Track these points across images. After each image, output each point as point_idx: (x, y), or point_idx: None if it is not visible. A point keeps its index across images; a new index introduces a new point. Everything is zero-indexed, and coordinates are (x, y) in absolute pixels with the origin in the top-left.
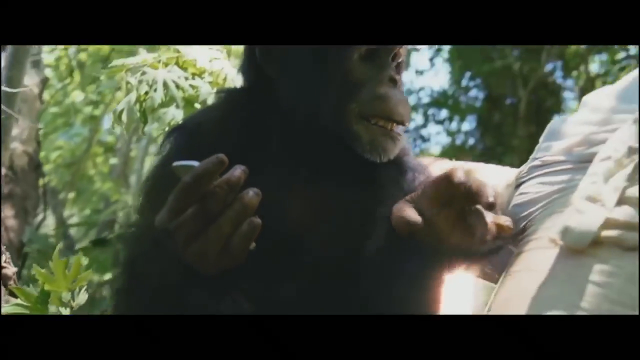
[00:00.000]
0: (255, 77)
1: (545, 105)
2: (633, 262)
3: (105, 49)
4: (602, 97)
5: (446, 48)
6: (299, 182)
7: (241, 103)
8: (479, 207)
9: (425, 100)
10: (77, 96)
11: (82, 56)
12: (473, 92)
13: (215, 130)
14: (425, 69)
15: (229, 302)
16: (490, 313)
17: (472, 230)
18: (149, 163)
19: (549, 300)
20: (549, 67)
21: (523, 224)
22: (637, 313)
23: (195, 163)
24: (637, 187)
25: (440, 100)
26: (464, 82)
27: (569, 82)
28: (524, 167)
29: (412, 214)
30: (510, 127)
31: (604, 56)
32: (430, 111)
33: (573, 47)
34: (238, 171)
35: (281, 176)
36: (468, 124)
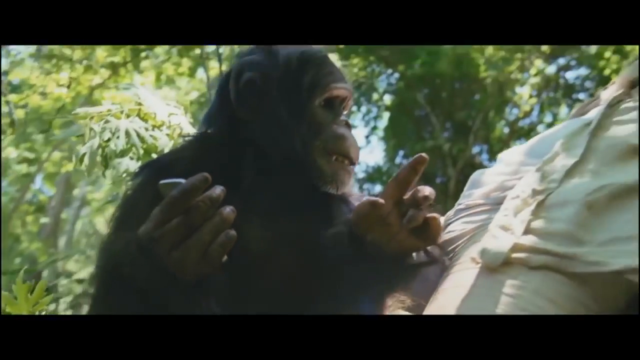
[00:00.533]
0: (227, 121)
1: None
2: (537, 278)
3: (46, 107)
4: (513, 153)
5: (381, 126)
6: (268, 211)
7: (213, 144)
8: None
9: (361, 175)
10: (10, 153)
11: (20, 113)
12: None
13: (188, 167)
14: (361, 146)
15: (204, 308)
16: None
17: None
18: (80, 225)
19: (472, 310)
20: (476, 149)
21: (451, 254)
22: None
23: (181, 180)
24: (540, 220)
25: (374, 175)
26: (397, 160)
27: (494, 164)
28: (451, 212)
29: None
30: (440, 204)
31: (523, 141)
32: (365, 186)
33: (497, 132)
34: (218, 190)
35: (252, 206)
36: None
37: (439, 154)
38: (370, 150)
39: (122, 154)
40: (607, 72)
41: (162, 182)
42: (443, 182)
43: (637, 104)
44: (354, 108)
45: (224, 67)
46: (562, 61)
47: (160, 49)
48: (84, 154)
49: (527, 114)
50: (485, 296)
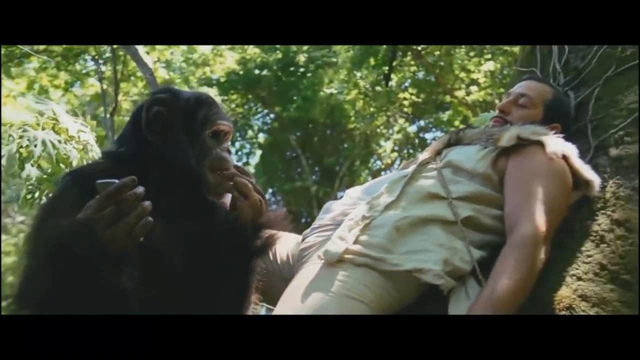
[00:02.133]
0: (138, 143)
1: None
2: (359, 271)
3: None
4: (354, 190)
5: (253, 162)
6: (167, 213)
7: (127, 159)
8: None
9: None
10: None
11: None
12: (274, 207)
13: (107, 176)
14: None
15: (126, 272)
16: (282, 301)
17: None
18: None
19: (316, 289)
20: (341, 193)
21: (304, 255)
22: (364, 302)
23: (114, 180)
24: (365, 235)
25: None
26: (266, 197)
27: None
28: (308, 230)
29: None
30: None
31: None
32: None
33: (361, 180)
34: (141, 188)
35: (157, 208)
36: None
37: (306, 195)
38: None
39: (38, 160)
40: None
41: (99, 181)
42: (307, 222)
43: (438, 165)
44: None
45: (104, 86)
46: (422, 123)
47: (36, 60)
48: (3, 156)
49: (389, 166)
50: (325, 281)
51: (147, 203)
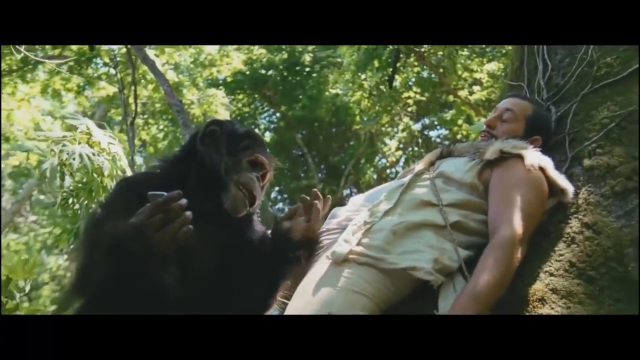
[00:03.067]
0: (188, 150)
1: None
2: (361, 269)
3: None
4: (358, 198)
5: None
6: (199, 216)
7: (175, 162)
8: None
9: None
10: None
11: None
12: (280, 204)
13: (159, 181)
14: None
15: (168, 269)
16: (295, 295)
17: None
18: None
19: (325, 285)
20: (346, 191)
21: (316, 254)
22: (366, 295)
23: (163, 193)
24: (367, 238)
25: None
26: (273, 195)
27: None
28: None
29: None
30: None
31: None
32: None
33: (366, 178)
34: (184, 201)
35: (191, 207)
36: None
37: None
38: None
39: (78, 171)
40: (459, 136)
41: (150, 192)
42: None
43: (431, 175)
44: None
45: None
46: (426, 121)
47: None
48: (47, 169)
49: (393, 164)
50: (332, 278)
51: (189, 213)
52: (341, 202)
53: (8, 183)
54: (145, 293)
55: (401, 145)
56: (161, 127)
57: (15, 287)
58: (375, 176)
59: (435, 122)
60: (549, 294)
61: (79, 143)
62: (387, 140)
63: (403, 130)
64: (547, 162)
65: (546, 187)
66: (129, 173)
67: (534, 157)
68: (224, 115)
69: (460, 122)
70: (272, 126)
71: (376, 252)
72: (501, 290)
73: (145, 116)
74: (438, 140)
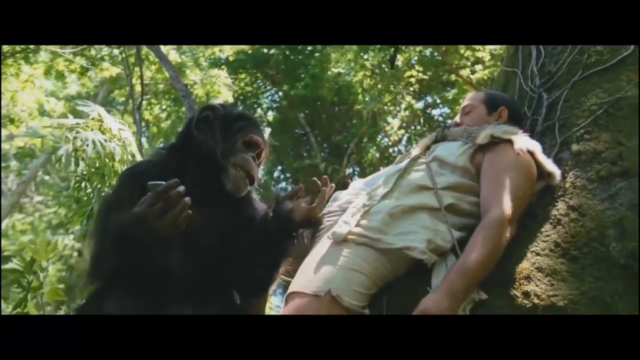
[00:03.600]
0: (185, 137)
1: None
2: (360, 249)
3: None
4: (357, 183)
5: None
6: (204, 202)
7: (173, 151)
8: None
9: None
10: None
11: None
12: (283, 184)
13: (158, 170)
14: None
15: (175, 249)
16: (299, 272)
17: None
18: None
19: (326, 263)
20: (349, 170)
21: (316, 236)
22: (364, 273)
23: (162, 182)
24: (365, 220)
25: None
26: (275, 174)
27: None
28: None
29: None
30: None
31: None
32: None
33: (369, 157)
34: (182, 187)
35: (191, 193)
36: None
37: (315, 172)
38: None
39: (91, 157)
40: None
41: (150, 182)
42: None
43: (427, 159)
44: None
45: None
46: (429, 99)
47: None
48: (62, 155)
49: (396, 143)
50: (333, 256)
51: (187, 199)
52: (344, 182)
53: (13, 164)
54: (152, 274)
55: (404, 124)
56: (164, 107)
57: (39, 267)
58: (377, 155)
59: (438, 101)
60: (535, 272)
61: (92, 130)
62: (389, 119)
63: (405, 109)
64: (536, 147)
65: (535, 171)
66: (138, 157)
67: (523, 141)
68: (227, 95)
69: (462, 101)
70: (274, 105)
71: (373, 232)
72: (489, 267)
73: (148, 96)
74: (440, 119)
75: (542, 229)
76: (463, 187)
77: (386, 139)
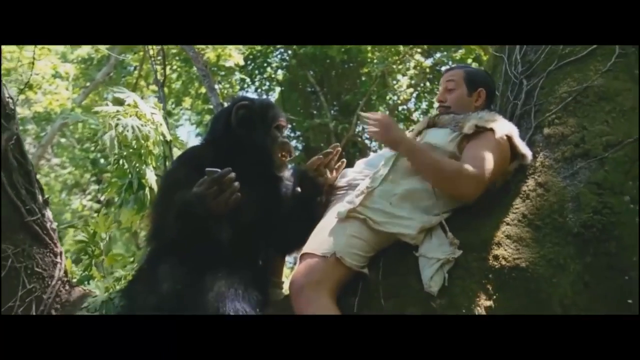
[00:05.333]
0: (229, 136)
1: (354, 160)
2: (357, 224)
3: None
4: (361, 162)
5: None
6: (247, 183)
7: (220, 146)
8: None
9: None
10: None
11: None
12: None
13: (208, 156)
14: None
15: (225, 224)
16: (312, 234)
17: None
18: None
19: (333, 231)
20: (359, 128)
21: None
22: (363, 239)
23: (218, 170)
24: (367, 200)
25: None
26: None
27: (374, 144)
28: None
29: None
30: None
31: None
32: None
33: None
34: (233, 174)
35: (241, 179)
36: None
37: (325, 131)
38: None
39: (132, 141)
40: None
41: (208, 169)
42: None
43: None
44: (248, 81)
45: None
46: (438, 55)
47: None
48: (107, 140)
49: (405, 102)
50: (338, 225)
51: (237, 184)
52: (354, 140)
53: (31, 127)
54: (206, 244)
55: (413, 82)
56: (175, 67)
57: (100, 238)
58: (387, 113)
59: (445, 60)
60: (504, 239)
61: (130, 116)
62: (399, 77)
63: (414, 67)
64: (514, 131)
65: (509, 153)
66: (168, 137)
67: (502, 128)
68: (237, 58)
69: (469, 61)
70: (284, 64)
71: (373, 214)
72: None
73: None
74: None
75: (513, 203)
76: None
77: (395, 98)
